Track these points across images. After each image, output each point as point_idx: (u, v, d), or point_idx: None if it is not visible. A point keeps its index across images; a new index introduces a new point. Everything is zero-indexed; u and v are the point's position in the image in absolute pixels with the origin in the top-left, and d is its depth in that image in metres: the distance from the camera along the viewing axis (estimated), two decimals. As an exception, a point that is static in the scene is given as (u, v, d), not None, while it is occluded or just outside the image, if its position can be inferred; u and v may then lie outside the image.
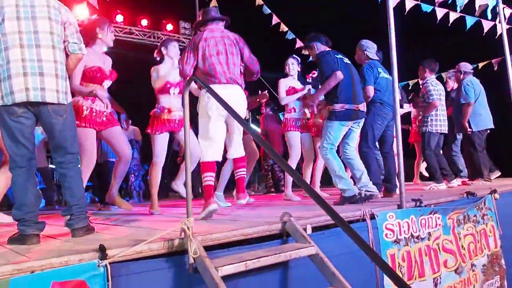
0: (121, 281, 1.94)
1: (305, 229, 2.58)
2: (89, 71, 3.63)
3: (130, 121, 7.78)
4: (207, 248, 2.18)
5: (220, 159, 3.40)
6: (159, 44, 4.38)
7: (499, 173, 6.11)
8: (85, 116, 3.65)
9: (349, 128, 3.99)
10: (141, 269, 2.01)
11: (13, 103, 2.32)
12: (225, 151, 4.17)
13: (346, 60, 4.07)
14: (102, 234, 2.60)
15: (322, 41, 4.18)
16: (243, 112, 3.50)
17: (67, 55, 2.59)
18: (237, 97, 3.36)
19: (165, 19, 11.04)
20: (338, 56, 4.00)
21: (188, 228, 2.09)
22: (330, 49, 4.18)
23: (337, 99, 3.88)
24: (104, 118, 3.78)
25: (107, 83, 3.80)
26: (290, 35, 8.18)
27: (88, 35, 3.64)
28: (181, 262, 2.11)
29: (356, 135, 4.10)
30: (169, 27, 11.10)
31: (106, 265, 1.83)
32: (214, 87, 3.09)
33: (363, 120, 4.08)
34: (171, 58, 4.19)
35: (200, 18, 3.64)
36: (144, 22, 10.58)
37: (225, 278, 1.96)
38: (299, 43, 8.19)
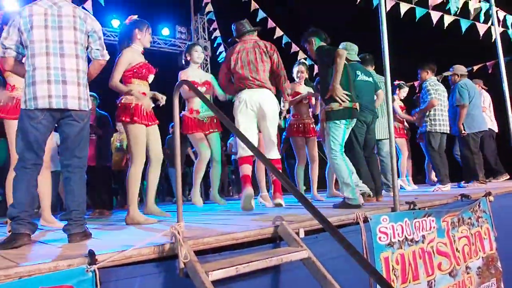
0: (111, 287, 1.92)
1: (297, 233, 2.57)
2: (136, 67, 3.64)
3: None
4: (198, 253, 2.17)
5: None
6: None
7: (507, 176, 6.12)
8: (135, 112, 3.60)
9: None
10: (131, 274, 1.99)
11: (35, 108, 2.44)
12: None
13: None
14: (92, 239, 2.58)
15: (321, 38, 4.16)
16: (273, 112, 3.84)
17: (89, 61, 2.71)
18: (266, 100, 3.81)
19: (161, 23, 11.08)
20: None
21: (178, 232, 2.08)
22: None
23: (333, 98, 3.77)
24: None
25: (151, 78, 3.83)
26: (285, 39, 8.21)
27: (128, 35, 3.77)
28: (172, 267, 2.10)
29: (347, 136, 4.05)
30: (165, 31, 11.13)
31: (94, 270, 1.82)
32: (247, 91, 3.81)
33: (355, 120, 4.02)
34: (194, 62, 4.66)
35: (235, 32, 4.06)
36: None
37: (216, 282, 1.95)
38: (294, 48, 8.23)
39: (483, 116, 5.93)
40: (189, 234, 2.33)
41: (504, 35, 6.12)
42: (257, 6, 7.79)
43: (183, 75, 4.59)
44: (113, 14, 10.17)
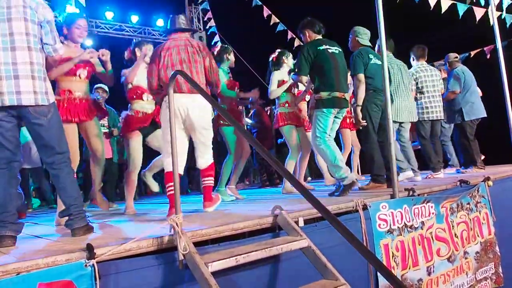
0: (110, 280, 1.92)
1: (297, 222, 2.57)
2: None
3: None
4: (198, 244, 2.17)
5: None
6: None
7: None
8: None
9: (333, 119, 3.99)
10: (130, 267, 1.99)
11: None
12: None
13: (333, 49, 4.05)
14: (91, 233, 2.57)
15: (315, 29, 4.16)
16: (207, 120, 3.37)
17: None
18: (197, 107, 3.27)
19: (156, 15, 10.97)
20: (321, 48, 3.98)
21: (177, 224, 2.07)
22: (320, 37, 4.18)
23: (323, 87, 3.92)
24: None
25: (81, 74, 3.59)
26: (281, 27, 8.16)
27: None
28: (171, 259, 2.10)
29: (337, 126, 4.11)
30: (160, 22, 11.02)
31: (93, 265, 1.81)
32: (175, 96, 3.02)
33: (345, 110, 4.09)
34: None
35: (168, 26, 3.57)
36: (135, 18, 10.50)
37: (216, 273, 1.95)
38: (290, 35, 8.17)
39: (481, 103, 5.90)
40: (188, 226, 2.32)
41: (500, 19, 6.09)
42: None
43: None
44: (107, 6, 10.05)
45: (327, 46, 4.02)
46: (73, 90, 3.51)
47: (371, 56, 4.41)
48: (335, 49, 4.06)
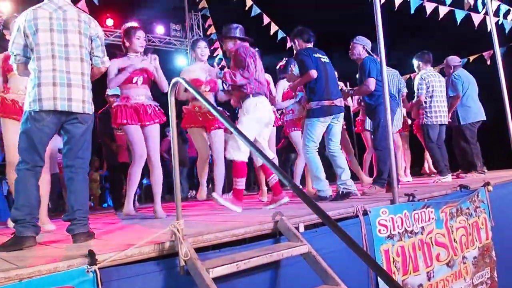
0: (112, 286, 1.93)
1: (297, 228, 2.58)
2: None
3: None
4: (199, 250, 2.18)
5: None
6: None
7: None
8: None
9: (329, 124, 4.06)
10: (131, 273, 2.00)
11: (40, 110, 2.43)
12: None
13: (324, 59, 4.14)
14: (92, 239, 2.58)
15: (304, 38, 4.26)
16: (272, 119, 3.99)
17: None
18: (270, 107, 3.96)
19: (156, 22, 11.03)
20: (315, 55, 4.07)
21: (178, 230, 2.09)
22: (311, 45, 4.25)
23: (313, 97, 4.01)
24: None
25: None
26: (281, 34, 8.19)
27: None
28: (172, 265, 2.11)
29: (338, 131, 4.15)
30: (160, 29, 11.09)
31: (95, 271, 1.82)
32: (262, 97, 3.81)
33: (342, 114, 4.15)
34: (199, 60, 4.58)
35: (238, 34, 3.97)
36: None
37: (217, 279, 1.96)
38: (290, 42, 8.20)
39: (480, 106, 5.91)
40: (189, 232, 2.33)
41: (499, 25, 6.13)
42: (252, 2, 7.77)
43: (184, 72, 4.55)
44: (107, 13, 10.12)
45: (319, 55, 4.11)
46: (131, 96, 3.82)
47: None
48: (325, 58, 4.17)
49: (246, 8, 7.72)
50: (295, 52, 4.26)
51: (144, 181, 9.70)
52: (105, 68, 2.82)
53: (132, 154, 3.89)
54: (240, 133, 1.97)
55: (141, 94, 3.85)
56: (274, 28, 8.22)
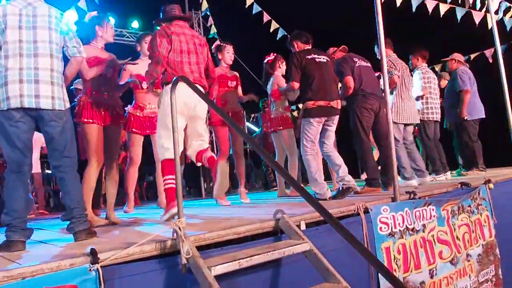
0: (114, 284, 1.93)
1: (298, 226, 2.58)
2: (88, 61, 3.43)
3: None
4: (200, 248, 2.18)
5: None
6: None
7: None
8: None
9: (324, 127, 4.07)
10: (133, 271, 2.00)
11: (9, 108, 2.39)
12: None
13: (321, 58, 4.12)
14: (94, 238, 2.59)
15: (302, 40, 4.28)
16: (204, 112, 3.39)
17: (67, 61, 2.69)
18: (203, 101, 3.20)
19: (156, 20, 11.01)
20: (309, 57, 4.07)
21: (179, 228, 2.09)
22: (309, 46, 4.27)
23: (309, 97, 4.00)
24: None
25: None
26: (282, 33, 8.19)
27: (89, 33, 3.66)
28: (174, 263, 2.11)
29: (332, 134, 4.16)
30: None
31: (97, 269, 1.83)
32: (182, 86, 2.80)
33: (337, 117, 4.14)
34: (226, 63, 4.70)
35: (163, 14, 3.54)
36: (135, 24, 10.56)
37: (219, 277, 1.96)
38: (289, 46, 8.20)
39: (481, 104, 5.93)
40: (191, 230, 2.34)
41: (500, 23, 6.11)
42: (252, 0, 7.76)
43: None
44: (108, 12, 10.12)
45: (315, 56, 4.11)
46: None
47: (355, 59, 4.48)
48: (323, 58, 4.14)
49: (247, 6, 7.71)
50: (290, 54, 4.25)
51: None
52: (82, 58, 2.77)
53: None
54: (242, 132, 1.97)
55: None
56: (274, 26, 8.23)
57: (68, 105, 2.60)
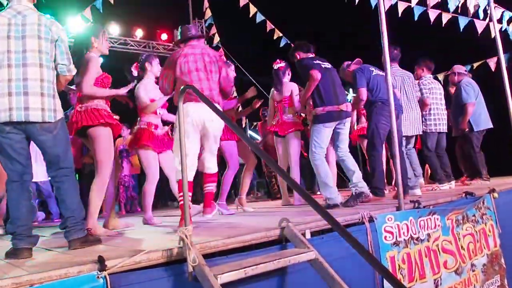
0: (121, 292, 1.94)
1: (304, 234, 2.58)
2: (101, 78, 3.39)
3: (129, 130, 7.87)
4: (206, 256, 2.18)
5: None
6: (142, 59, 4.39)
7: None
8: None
9: (336, 130, 4.09)
10: (140, 279, 2.01)
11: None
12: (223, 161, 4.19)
13: (326, 65, 4.18)
14: (101, 245, 2.60)
15: (304, 50, 4.35)
16: (218, 128, 3.48)
17: (57, 75, 2.59)
18: (211, 114, 3.19)
19: (160, 29, 11.11)
20: (316, 62, 4.12)
21: (186, 236, 2.10)
22: (312, 55, 4.32)
23: (319, 103, 4.03)
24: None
25: None
26: (284, 41, 8.25)
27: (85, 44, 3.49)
28: (180, 271, 2.11)
29: (345, 136, 4.18)
30: (164, 36, 11.15)
31: (105, 276, 1.83)
32: (190, 104, 3.25)
33: (348, 120, 4.18)
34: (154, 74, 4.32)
35: (180, 36, 3.67)
36: (139, 32, 10.64)
37: (225, 285, 1.96)
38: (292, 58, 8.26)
39: (487, 114, 5.94)
40: (197, 238, 2.34)
41: (503, 32, 6.14)
42: (256, 9, 7.83)
43: None
44: (112, 20, 10.20)
45: (320, 62, 4.15)
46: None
47: (371, 68, 4.49)
48: (327, 64, 4.20)
49: (251, 16, 7.78)
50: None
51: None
52: (71, 76, 2.67)
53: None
54: (251, 143, 1.99)
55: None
56: (277, 34, 8.29)
57: (60, 115, 2.52)
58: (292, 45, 8.30)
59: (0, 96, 2.35)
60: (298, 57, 4.34)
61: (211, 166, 3.52)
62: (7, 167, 2.42)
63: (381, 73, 4.52)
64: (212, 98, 3.35)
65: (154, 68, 4.30)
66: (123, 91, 3.46)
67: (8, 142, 2.39)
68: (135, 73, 4.34)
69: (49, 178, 5.90)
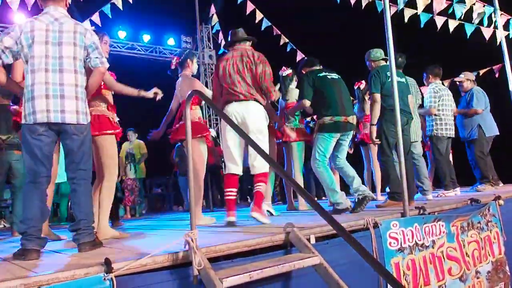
0: (127, 294, 1.96)
1: (308, 239, 2.59)
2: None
3: (136, 135, 7.90)
4: (211, 260, 2.20)
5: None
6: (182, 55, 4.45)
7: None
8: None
9: (339, 141, 4.13)
10: (146, 282, 2.03)
11: (35, 123, 2.47)
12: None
13: (333, 75, 4.22)
14: (107, 248, 2.63)
15: (308, 65, 4.47)
16: (260, 126, 3.61)
17: (90, 72, 2.71)
18: (252, 112, 3.56)
19: (167, 34, 11.21)
20: (320, 75, 4.16)
21: (192, 240, 2.12)
22: (319, 67, 4.40)
23: (325, 112, 4.06)
24: None
25: None
26: (290, 46, 8.30)
27: None
28: (186, 274, 2.13)
29: (345, 148, 4.23)
30: (171, 41, 11.26)
31: (112, 279, 1.85)
32: (233, 104, 3.58)
33: (352, 132, 4.21)
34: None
35: (229, 39, 3.87)
36: (146, 37, 10.74)
37: (229, 289, 1.98)
38: (300, 55, 8.30)
39: (493, 121, 5.98)
40: (202, 242, 2.36)
41: (509, 38, 6.14)
42: (262, 16, 7.89)
43: None
44: (120, 25, 10.31)
45: (326, 73, 4.20)
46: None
47: (388, 74, 4.46)
48: (334, 75, 4.23)
49: (257, 21, 7.84)
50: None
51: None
52: (105, 68, 2.78)
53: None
54: (255, 145, 2.01)
55: None
56: (284, 40, 8.34)
57: (89, 118, 2.69)
58: (298, 50, 8.39)
59: (37, 97, 2.47)
60: (304, 73, 4.43)
61: (257, 165, 3.57)
62: (30, 167, 2.49)
63: (397, 79, 4.52)
64: (252, 96, 3.58)
65: (194, 66, 4.42)
66: (149, 94, 3.60)
67: (38, 144, 2.48)
68: (173, 66, 4.43)
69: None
